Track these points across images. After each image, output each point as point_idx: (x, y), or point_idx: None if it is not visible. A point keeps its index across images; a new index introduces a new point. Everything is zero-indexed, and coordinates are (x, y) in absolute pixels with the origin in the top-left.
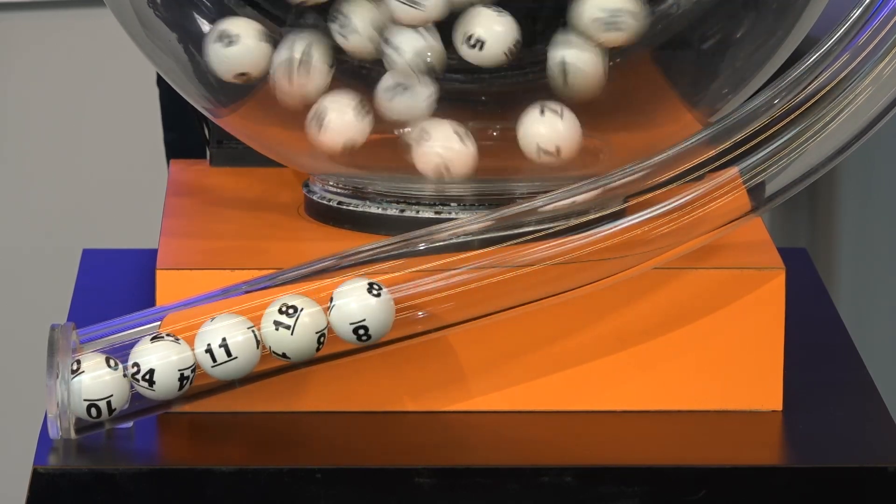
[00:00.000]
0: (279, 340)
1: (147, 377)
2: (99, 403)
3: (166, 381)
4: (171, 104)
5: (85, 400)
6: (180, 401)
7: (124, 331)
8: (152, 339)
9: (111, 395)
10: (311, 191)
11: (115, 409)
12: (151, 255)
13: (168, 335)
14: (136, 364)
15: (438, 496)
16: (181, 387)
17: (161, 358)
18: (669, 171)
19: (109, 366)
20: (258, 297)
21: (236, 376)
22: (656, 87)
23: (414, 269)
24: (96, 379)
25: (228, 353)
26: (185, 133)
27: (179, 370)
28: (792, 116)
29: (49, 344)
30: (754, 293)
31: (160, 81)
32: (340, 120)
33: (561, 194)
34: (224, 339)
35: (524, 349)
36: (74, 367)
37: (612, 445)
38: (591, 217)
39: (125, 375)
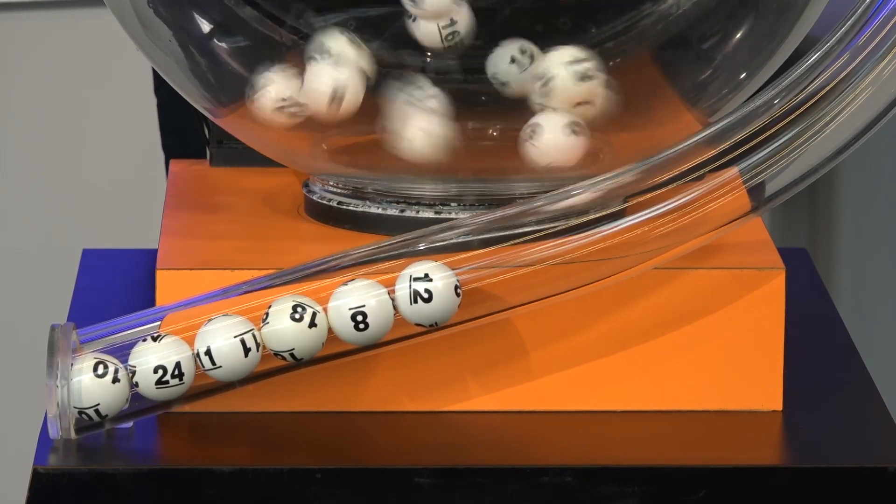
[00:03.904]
0: (288, 337)
1: (175, 372)
2: (88, 411)
3: (189, 376)
4: (171, 110)
5: (75, 407)
6: (180, 401)
7: (124, 331)
8: (154, 338)
9: (98, 404)
10: (311, 191)
11: (106, 415)
12: (151, 255)
13: (167, 335)
14: (161, 367)
15: (438, 496)
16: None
17: (161, 357)
18: (669, 171)
19: (96, 372)
20: (258, 297)
21: (227, 380)
22: (656, 87)
23: None
24: (84, 388)
25: (213, 362)
26: (184, 137)
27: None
28: (792, 116)
29: (49, 344)
30: (754, 293)
31: (157, 89)
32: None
33: (561, 194)
34: (209, 348)
35: (524, 349)
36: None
37: (612, 445)
38: (591, 217)
39: (115, 380)
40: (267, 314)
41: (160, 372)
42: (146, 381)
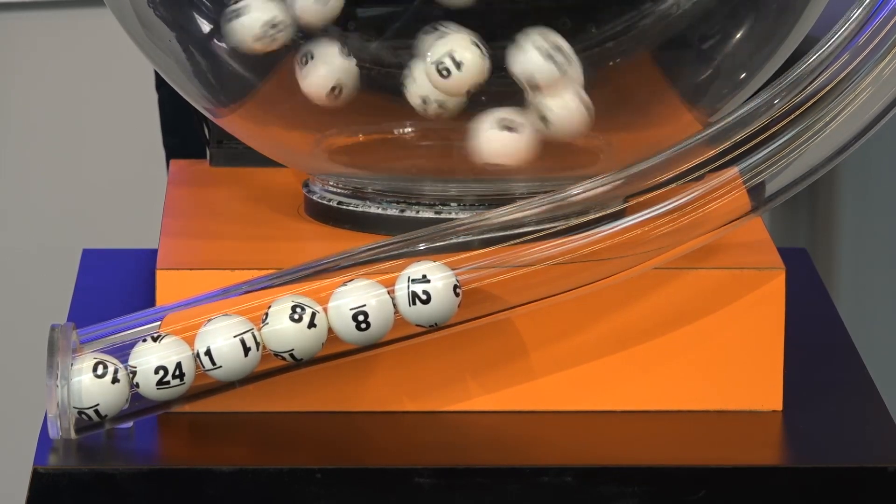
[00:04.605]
0: (288, 338)
1: (176, 373)
2: (87, 411)
3: (190, 375)
4: (171, 109)
5: (75, 407)
6: (180, 401)
7: (124, 331)
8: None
9: (97, 404)
10: (311, 191)
11: (106, 415)
12: (151, 255)
13: (167, 335)
14: (162, 367)
15: (438, 496)
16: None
17: (162, 358)
18: (669, 171)
19: (96, 372)
20: (258, 297)
21: (227, 380)
22: (656, 87)
23: None
24: (84, 388)
25: (213, 362)
26: (184, 137)
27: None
28: (792, 116)
29: (49, 344)
30: (754, 293)
31: (159, 86)
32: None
33: (561, 194)
34: (209, 348)
35: (524, 349)
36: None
37: (612, 445)
38: (591, 217)
39: (115, 381)
40: (266, 314)
41: (161, 372)
42: (147, 382)
